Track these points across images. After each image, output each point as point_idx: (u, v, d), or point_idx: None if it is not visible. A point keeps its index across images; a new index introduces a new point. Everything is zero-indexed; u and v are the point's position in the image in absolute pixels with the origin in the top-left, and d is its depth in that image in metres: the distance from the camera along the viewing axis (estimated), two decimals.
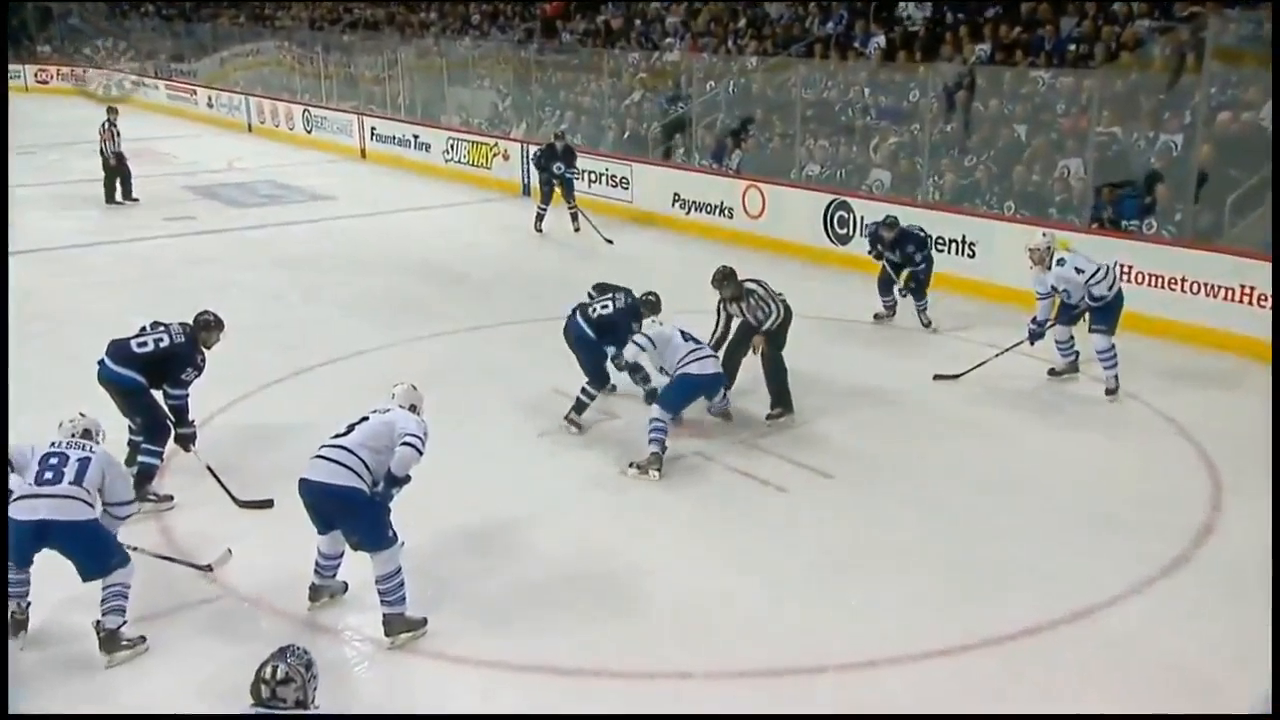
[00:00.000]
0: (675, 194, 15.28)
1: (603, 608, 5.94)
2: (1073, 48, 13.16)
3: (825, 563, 6.38)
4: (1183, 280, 10.01)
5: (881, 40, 15.52)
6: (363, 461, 5.41)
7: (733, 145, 15.63)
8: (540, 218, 14.90)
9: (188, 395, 7.06)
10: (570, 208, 14.87)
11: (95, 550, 5.33)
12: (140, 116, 28.59)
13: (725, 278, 8.37)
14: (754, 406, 8.41)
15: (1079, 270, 8.50)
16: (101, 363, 7.03)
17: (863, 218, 12.78)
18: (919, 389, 8.98)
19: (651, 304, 8.38)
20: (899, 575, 6.23)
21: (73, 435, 5.65)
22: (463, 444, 7.43)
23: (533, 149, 17.17)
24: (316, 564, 5.72)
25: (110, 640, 5.27)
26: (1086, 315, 8.86)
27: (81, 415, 5.88)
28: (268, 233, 15.23)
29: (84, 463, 5.38)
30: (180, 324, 7.16)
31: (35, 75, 34.01)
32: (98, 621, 5.28)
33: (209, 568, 6.07)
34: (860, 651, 5.46)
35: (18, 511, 5.18)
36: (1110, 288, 8.64)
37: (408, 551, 5.54)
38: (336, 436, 5.52)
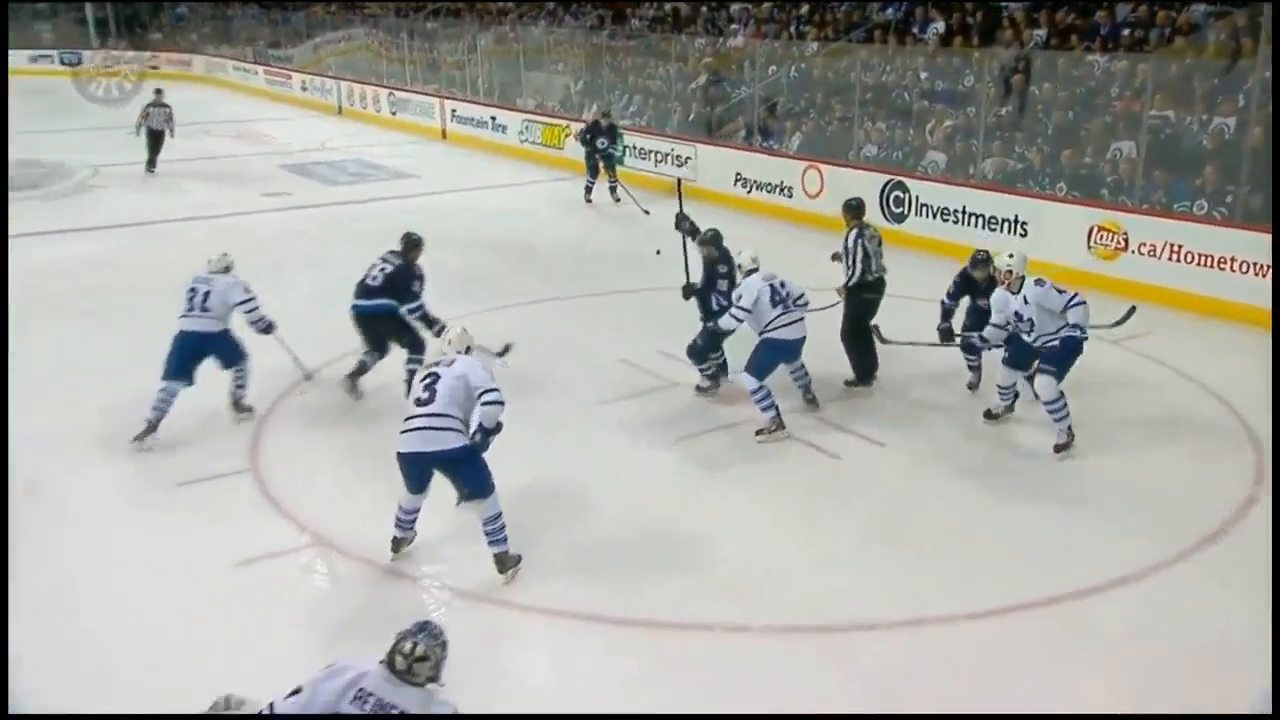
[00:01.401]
0: (737, 174, 15.14)
1: (662, 565, 5.90)
2: (1128, 33, 12.74)
3: (874, 527, 6.29)
4: (1232, 260, 9.71)
5: (940, 26, 15.15)
6: (459, 419, 5.51)
7: (792, 128, 15.40)
8: (589, 189, 15.39)
9: (423, 302, 7.94)
10: (611, 182, 15.12)
11: (227, 351, 7.52)
12: (242, 100, 29.08)
13: (847, 208, 8.22)
14: (815, 372, 8.22)
15: (1059, 291, 6.98)
16: (353, 306, 7.95)
17: (917, 197, 12.59)
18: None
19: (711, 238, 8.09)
20: (945, 541, 6.13)
21: (210, 271, 7.59)
22: (529, 411, 7.37)
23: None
24: (398, 519, 5.79)
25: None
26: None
27: (224, 254, 7.77)
28: (355, 209, 15.30)
29: (209, 292, 7.45)
30: (390, 251, 8.07)
31: (147, 62, 34.52)
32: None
33: (308, 376, 8.18)
34: (907, 611, 5.40)
35: (182, 325, 7.37)
36: (1084, 320, 6.97)
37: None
38: (421, 404, 5.51)
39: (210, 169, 18.27)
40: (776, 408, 7.32)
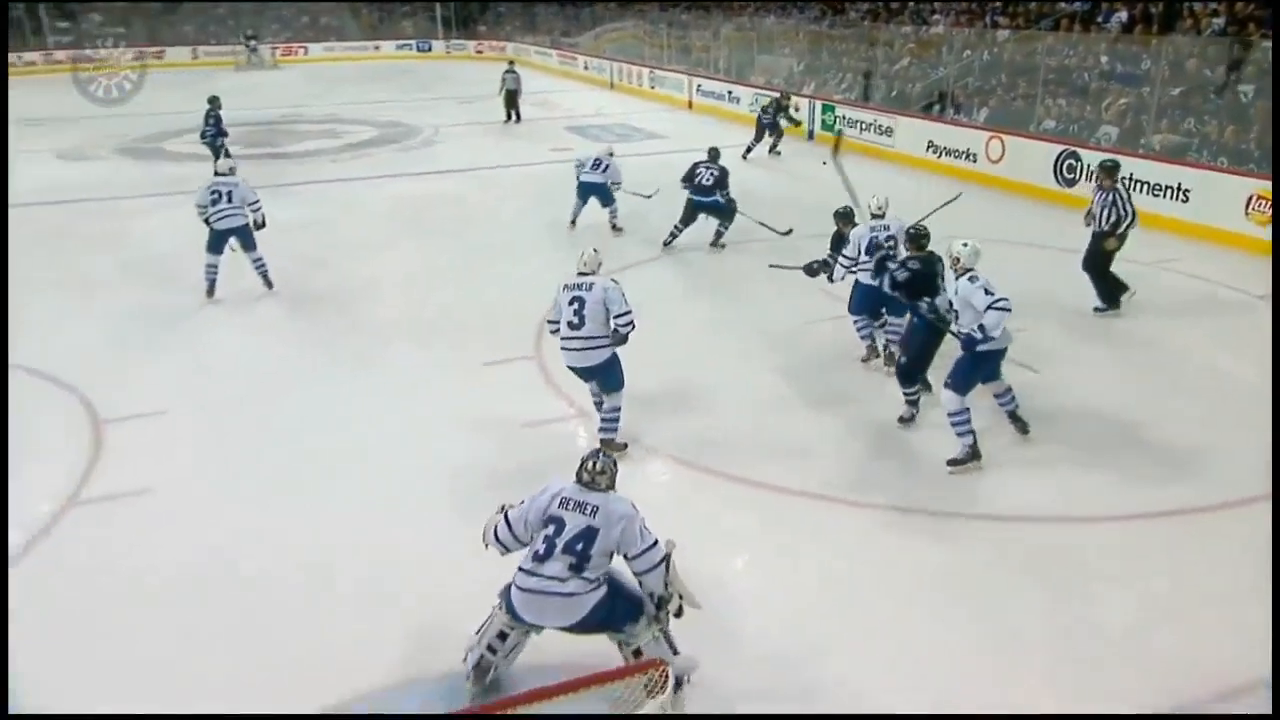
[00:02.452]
0: (930, 141, 14.25)
1: (851, 453, 5.75)
2: None
3: (1029, 440, 5.85)
4: None
5: (1123, 15, 13.68)
6: (603, 337, 5.50)
7: (979, 102, 14.36)
8: (750, 149, 14.91)
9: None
10: (775, 149, 15.15)
11: (608, 194, 10.39)
12: (540, 76, 29.52)
13: (1104, 169, 7.72)
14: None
15: (987, 292, 5.26)
16: (694, 200, 9.61)
17: (1088, 165, 11.54)
18: (1125, 309, 8.05)
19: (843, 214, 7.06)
20: (1092, 452, 5.70)
21: (601, 154, 10.25)
22: (739, 325, 7.31)
23: (818, 104, 16.69)
24: (596, 402, 5.91)
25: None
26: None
27: (609, 146, 10.34)
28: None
29: (608, 165, 10.39)
30: (706, 160, 9.74)
31: (475, 48, 35.68)
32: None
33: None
34: (1054, 510, 5.12)
35: (584, 179, 10.37)
36: (994, 325, 5.26)
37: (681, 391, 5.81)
38: (575, 328, 5.49)
39: (516, 129, 18.79)
40: (873, 339, 6.89)
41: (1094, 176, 7.81)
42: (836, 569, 4.71)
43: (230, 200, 8.31)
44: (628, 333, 5.55)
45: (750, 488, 5.37)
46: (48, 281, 9.21)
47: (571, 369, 5.65)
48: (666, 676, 2.73)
